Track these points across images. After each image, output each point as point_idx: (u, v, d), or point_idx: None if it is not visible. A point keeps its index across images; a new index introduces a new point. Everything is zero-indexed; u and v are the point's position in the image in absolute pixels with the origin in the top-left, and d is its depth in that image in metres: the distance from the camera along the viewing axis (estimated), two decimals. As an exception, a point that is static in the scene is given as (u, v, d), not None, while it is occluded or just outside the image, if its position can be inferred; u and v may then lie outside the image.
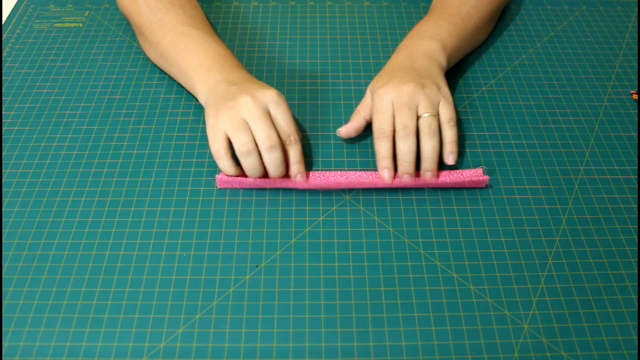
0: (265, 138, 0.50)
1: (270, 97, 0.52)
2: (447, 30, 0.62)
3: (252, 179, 0.54)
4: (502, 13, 0.76)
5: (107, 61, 0.68)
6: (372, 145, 0.59)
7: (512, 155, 0.59)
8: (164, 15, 0.62)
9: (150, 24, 0.62)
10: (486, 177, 0.54)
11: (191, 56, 0.58)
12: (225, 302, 0.47)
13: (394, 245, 0.51)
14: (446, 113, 0.54)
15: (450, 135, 0.54)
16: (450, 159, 0.54)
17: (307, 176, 0.54)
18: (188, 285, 0.48)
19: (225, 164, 0.52)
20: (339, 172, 0.55)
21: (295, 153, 0.53)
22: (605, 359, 0.45)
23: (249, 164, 0.51)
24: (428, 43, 0.60)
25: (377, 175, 0.54)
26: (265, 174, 0.54)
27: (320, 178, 0.54)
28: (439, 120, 0.54)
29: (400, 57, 0.59)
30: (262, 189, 0.55)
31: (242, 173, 0.54)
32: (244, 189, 0.55)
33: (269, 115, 0.51)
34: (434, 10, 0.66)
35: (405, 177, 0.53)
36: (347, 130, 0.58)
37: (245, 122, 0.50)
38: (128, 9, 0.66)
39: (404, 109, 0.53)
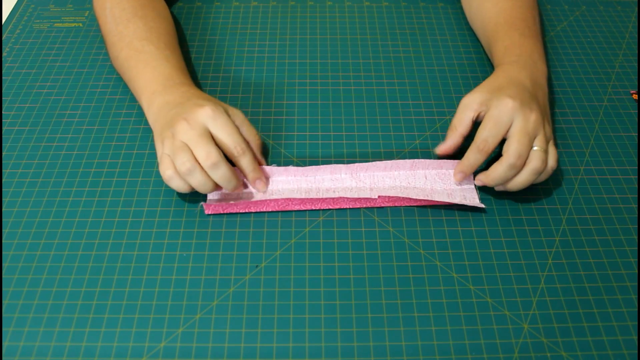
0: (204, 157, 0.49)
1: (205, 115, 0.51)
2: (542, 51, 0.61)
3: (239, 204, 0.53)
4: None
5: (107, 61, 0.68)
6: (372, 146, 0.59)
7: (512, 155, 0.58)
8: (123, 28, 0.61)
9: (111, 36, 0.62)
10: (482, 206, 0.53)
11: (140, 76, 0.58)
12: (225, 302, 0.47)
13: (394, 245, 0.51)
14: (553, 151, 0.53)
15: (553, 163, 0.52)
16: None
17: (268, 183, 0.55)
18: (188, 285, 0.48)
19: (176, 183, 0.50)
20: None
21: (246, 163, 0.52)
22: (605, 359, 0.45)
23: (195, 181, 0.50)
24: (542, 68, 0.58)
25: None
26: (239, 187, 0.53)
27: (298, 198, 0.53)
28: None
29: (522, 75, 0.56)
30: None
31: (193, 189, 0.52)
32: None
33: (207, 133, 0.50)
34: (521, 23, 0.62)
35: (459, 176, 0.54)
36: (444, 150, 0.55)
37: (184, 144, 0.50)
38: (97, 15, 0.66)
39: (526, 138, 0.50)
